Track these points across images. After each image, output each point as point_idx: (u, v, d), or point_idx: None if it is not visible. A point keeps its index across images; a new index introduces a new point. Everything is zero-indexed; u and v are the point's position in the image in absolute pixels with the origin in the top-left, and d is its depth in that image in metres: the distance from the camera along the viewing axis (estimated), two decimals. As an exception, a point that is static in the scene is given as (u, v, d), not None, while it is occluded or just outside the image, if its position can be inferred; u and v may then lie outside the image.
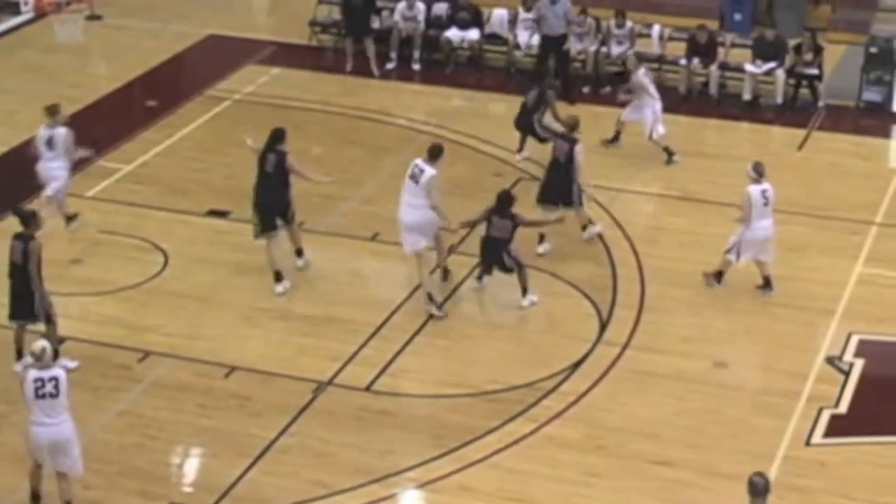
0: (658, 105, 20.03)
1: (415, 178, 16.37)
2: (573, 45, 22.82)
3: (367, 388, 15.09)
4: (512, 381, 15.18)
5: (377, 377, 15.25)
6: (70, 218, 17.92)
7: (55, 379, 12.58)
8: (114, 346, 15.69)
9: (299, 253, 17.25)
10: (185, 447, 14.38)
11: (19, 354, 15.16)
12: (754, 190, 16.27)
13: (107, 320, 16.18)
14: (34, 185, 18.45)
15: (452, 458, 14.02)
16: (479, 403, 14.88)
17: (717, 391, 15.12)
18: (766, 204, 16.29)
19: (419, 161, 16.48)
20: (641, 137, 20.41)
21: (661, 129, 20.00)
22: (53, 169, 17.42)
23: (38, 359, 12.64)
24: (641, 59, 20.94)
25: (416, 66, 23.56)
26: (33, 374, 12.63)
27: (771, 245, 16.60)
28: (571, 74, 22.42)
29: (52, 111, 17.33)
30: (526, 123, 19.91)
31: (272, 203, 16.75)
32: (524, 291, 16.50)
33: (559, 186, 17.48)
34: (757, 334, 16.19)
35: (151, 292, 16.79)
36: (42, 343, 12.82)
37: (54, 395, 12.56)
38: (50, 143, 17.31)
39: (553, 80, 21.22)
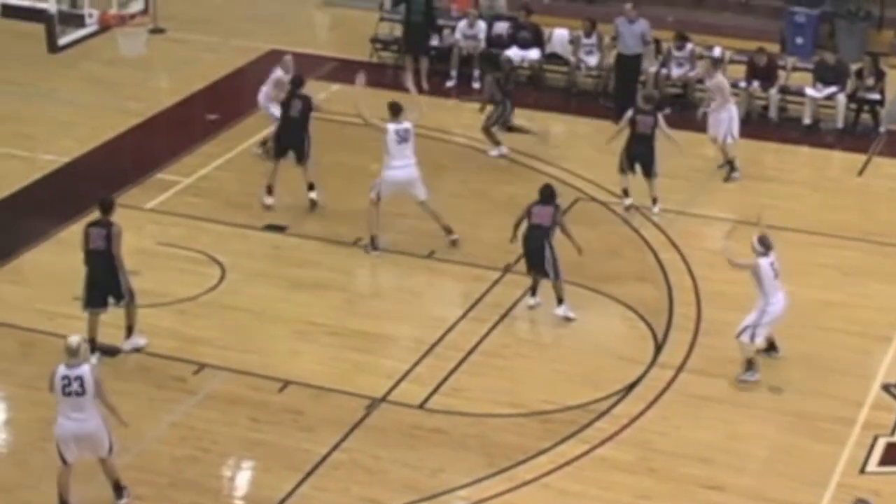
0: (735, 109, 19.97)
1: (405, 139, 17.91)
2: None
3: (421, 406, 15.08)
4: (565, 402, 15.12)
5: (430, 395, 15.24)
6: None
7: (80, 378, 12.78)
8: (169, 358, 15.77)
9: (311, 187, 18.98)
10: (237, 460, 14.42)
11: (93, 343, 15.23)
12: (764, 263, 15.28)
13: (163, 332, 16.26)
14: (95, 194, 18.61)
15: (504, 478, 13.97)
16: (532, 424, 14.84)
17: (771, 416, 15.00)
18: (776, 276, 15.33)
19: (395, 125, 17.94)
20: (699, 160, 20.35)
21: (735, 134, 19.88)
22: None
23: (73, 355, 12.80)
24: (716, 63, 20.76)
25: (477, 85, 23.57)
26: (62, 371, 12.82)
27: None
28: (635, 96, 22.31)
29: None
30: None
31: (292, 140, 18.91)
32: (559, 301, 16.52)
33: (642, 157, 18.95)
34: (812, 360, 16.05)
35: (207, 305, 16.87)
36: (76, 339, 12.93)
37: (80, 394, 12.80)
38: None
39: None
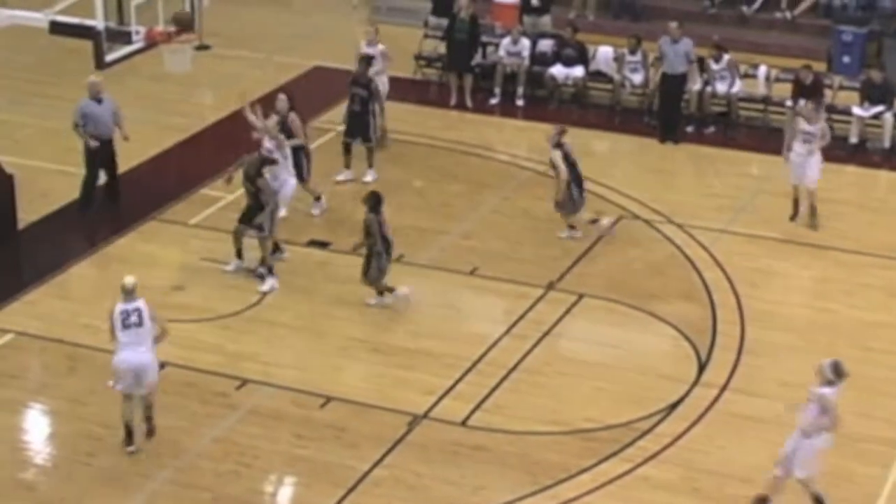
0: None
1: None
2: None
3: (463, 423, 15.09)
4: (607, 421, 15.10)
5: (472, 412, 15.25)
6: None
7: (138, 310, 14.07)
8: (212, 373, 15.85)
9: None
10: (280, 476, 14.47)
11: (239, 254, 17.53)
12: (831, 394, 13.17)
13: (206, 347, 16.34)
14: (140, 210, 18.83)
15: (546, 496, 13.96)
16: (574, 442, 14.82)
17: (817, 437, 14.89)
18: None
19: None
20: (743, 178, 20.30)
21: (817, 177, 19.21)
22: None
23: (129, 293, 14.08)
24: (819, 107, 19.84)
25: (520, 102, 23.61)
26: (120, 307, 14.08)
27: None
28: (679, 114, 22.31)
29: None
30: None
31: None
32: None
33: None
34: (857, 380, 15.83)
35: (251, 321, 16.95)
36: (132, 279, 14.10)
37: (139, 325, 14.03)
38: None
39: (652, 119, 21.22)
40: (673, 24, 22.09)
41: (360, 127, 20.24)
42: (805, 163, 19.01)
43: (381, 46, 21.49)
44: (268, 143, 18.17)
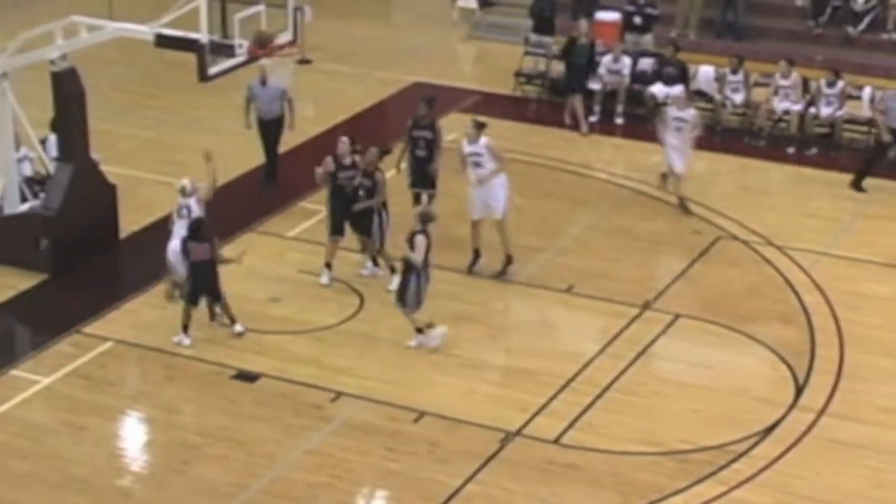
0: None
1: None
2: (777, 105, 22.58)
3: (555, 441, 15.04)
4: (701, 442, 14.97)
5: (566, 430, 15.19)
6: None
7: (188, 206, 16.91)
8: (307, 385, 15.94)
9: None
10: (371, 489, 14.51)
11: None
12: None
13: (301, 359, 16.45)
14: (237, 221, 19.01)
15: (638, 517, 13.89)
16: (667, 462, 14.71)
17: (916, 465, 14.70)
18: None
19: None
20: (844, 200, 20.05)
21: None
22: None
23: (185, 193, 16.92)
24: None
25: (619, 121, 23.54)
26: (182, 202, 16.96)
27: None
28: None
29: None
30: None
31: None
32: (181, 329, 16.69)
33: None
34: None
35: (346, 333, 17.03)
36: (186, 181, 16.87)
37: (188, 217, 16.78)
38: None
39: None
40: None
41: (426, 175, 19.10)
42: None
43: (484, 139, 18.32)
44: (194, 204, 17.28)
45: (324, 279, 18.02)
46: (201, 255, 16.45)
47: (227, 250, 17.82)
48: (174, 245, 16.88)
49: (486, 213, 18.16)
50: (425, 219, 16.56)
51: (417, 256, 16.38)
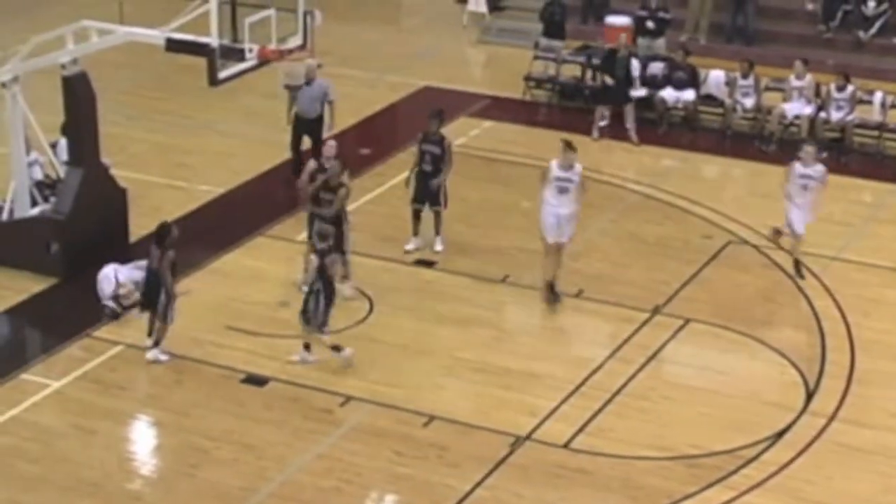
0: None
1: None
2: (789, 109, 22.58)
3: (565, 446, 15.04)
4: (711, 447, 14.96)
5: (575, 435, 15.19)
6: None
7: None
8: (316, 389, 15.95)
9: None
10: (381, 493, 14.52)
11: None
12: None
13: (311, 364, 16.45)
14: (248, 225, 19.06)
15: (647, 522, 13.89)
16: (677, 467, 14.70)
17: (927, 470, 14.68)
18: None
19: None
20: (854, 205, 20.02)
21: None
22: None
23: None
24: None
25: (629, 125, 23.53)
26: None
27: None
28: None
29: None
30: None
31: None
32: (155, 343, 16.34)
33: None
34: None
35: (355, 338, 17.03)
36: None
37: None
38: None
39: None
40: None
41: (428, 190, 18.78)
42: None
43: (579, 167, 17.62)
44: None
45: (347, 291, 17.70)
46: (153, 262, 16.35)
47: (236, 254, 17.94)
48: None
49: (558, 237, 17.65)
50: (321, 237, 16.27)
51: (309, 276, 16.27)
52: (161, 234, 16.39)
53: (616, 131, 23.34)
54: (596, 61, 24.14)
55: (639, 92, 23.36)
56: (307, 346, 16.37)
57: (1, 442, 14.98)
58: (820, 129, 22.51)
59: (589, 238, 19.28)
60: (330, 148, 17.99)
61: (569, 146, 17.51)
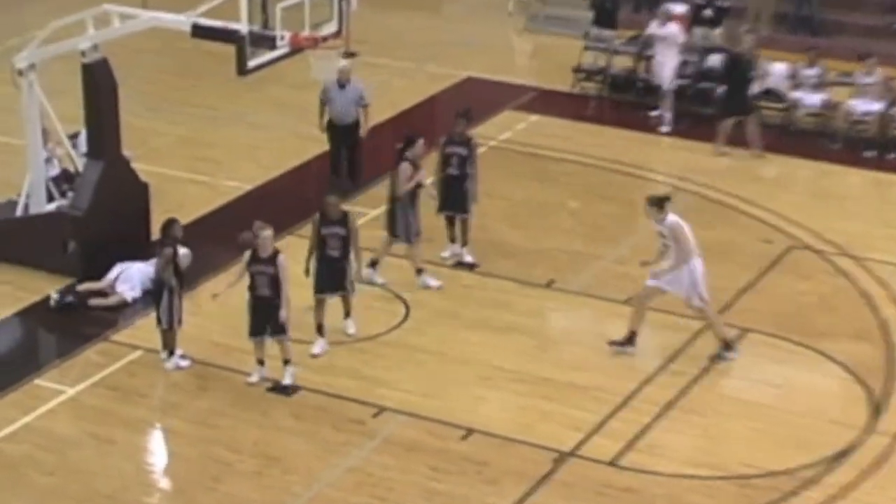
0: None
1: None
2: (856, 105, 22.45)
3: (612, 463, 15.01)
4: (768, 467, 14.91)
5: (623, 451, 15.17)
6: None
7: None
8: (348, 399, 15.98)
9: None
10: (414, 511, 14.56)
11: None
12: None
13: (342, 371, 16.49)
14: (277, 223, 19.07)
15: (698, 546, 13.86)
16: (730, 488, 14.65)
17: None
18: None
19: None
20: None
21: None
22: None
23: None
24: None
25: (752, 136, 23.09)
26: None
27: None
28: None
29: None
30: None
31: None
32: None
33: None
34: None
35: (389, 344, 17.07)
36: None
37: None
38: None
39: None
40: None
41: (458, 196, 18.54)
42: None
43: (671, 218, 16.77)
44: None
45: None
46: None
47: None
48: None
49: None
50: (166, 233, 16.46)
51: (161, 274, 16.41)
52: (162, 230, 16.52)
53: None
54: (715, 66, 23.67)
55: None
56: (261, 362, 16.29)
57: (13, 451, 15.09)
58: (890, 126, 22.39)
59: (637, 241, 19.19)
60: (420, 147, 18.07)
61: (656, 201, 16.71)
